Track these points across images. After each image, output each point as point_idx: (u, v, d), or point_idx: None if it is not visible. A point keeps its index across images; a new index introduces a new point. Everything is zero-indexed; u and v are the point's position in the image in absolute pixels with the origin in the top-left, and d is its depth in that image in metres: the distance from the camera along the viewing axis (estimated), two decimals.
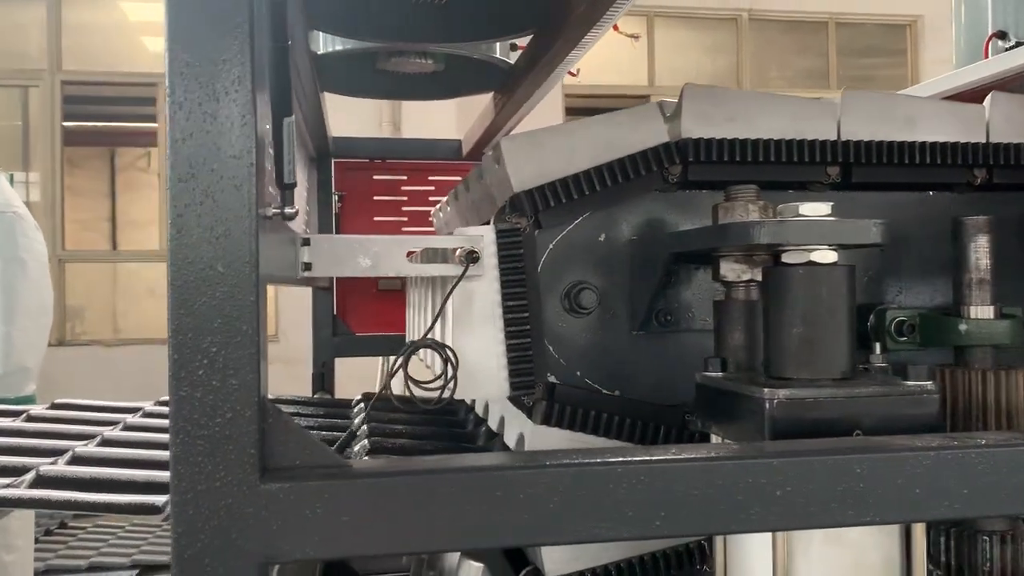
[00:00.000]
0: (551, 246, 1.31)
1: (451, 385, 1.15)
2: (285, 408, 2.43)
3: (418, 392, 1.15)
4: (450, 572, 1.70)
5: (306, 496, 0.73)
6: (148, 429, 2.18)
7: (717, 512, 0.79)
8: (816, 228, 1.01)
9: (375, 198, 2.90)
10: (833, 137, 1.33)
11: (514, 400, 1.37)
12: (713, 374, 1.11)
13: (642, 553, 1.33)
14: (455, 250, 1.23)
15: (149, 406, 2.52)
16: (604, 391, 1.35)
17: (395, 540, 0.74)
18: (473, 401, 2.12)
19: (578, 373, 1.35)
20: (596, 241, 1.34)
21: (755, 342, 1.19)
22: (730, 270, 1.20)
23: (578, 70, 2.09)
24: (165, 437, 2.03)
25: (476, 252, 1.20)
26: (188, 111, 0.72)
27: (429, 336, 1.19)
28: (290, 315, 7.31)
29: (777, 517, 0.80)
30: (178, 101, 0.72)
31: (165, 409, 2.47)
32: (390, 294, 2.91)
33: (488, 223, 1.33)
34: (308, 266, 1.18)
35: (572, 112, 8.19)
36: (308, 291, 7.30)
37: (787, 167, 1.31)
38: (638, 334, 1.38)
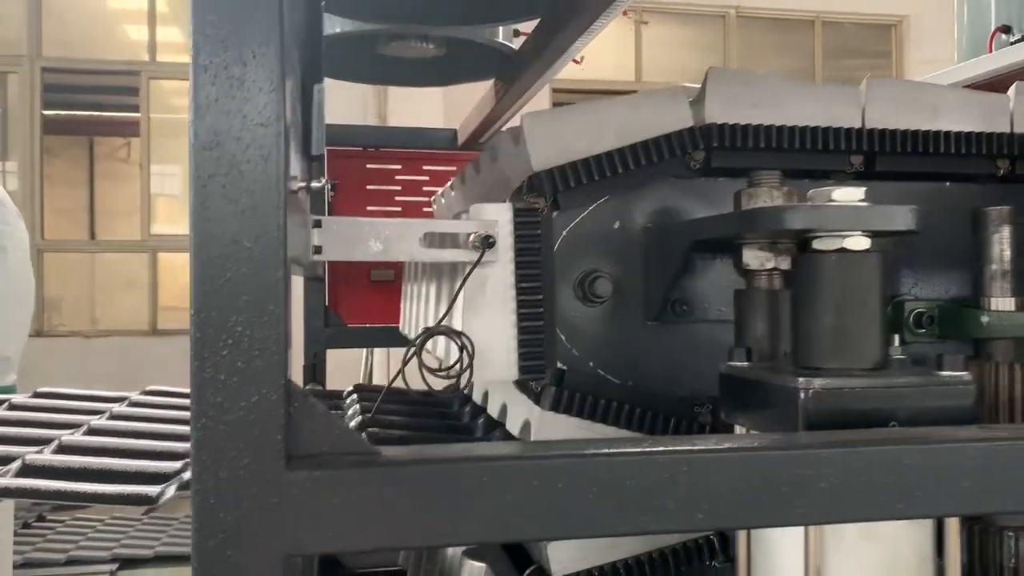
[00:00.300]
0: (567, 230, 1.27)
1: (467, 373, 1.11)
2: None
3: (433, 381, 1.11)
4: (450, 570, 1.66)
5: (334, 485, 0.69)
6: (136, 419, 2.12)
7: (760, 505, 0.76)
8: (850, 214, 0.98)
9: (368, 187, 2.85)
10: (858, 125, 1.31)
11: (521, 385, 1.33)
12: (738, 364, 1.08)
13: (651, 549, 1.30)
14: (469, 235, 1.19)
15: (136, 395, 2.47)
16: (615, 381, 1.32)
17: (429, 532, 0.70)
18: (468, 392, 2.09)
19: (591, 364, 1.32)
20: (612, 228, 1.31)
21: (778, 332, 1.16)
22: (753, 258, 1.17)
23: (582, 57, 2.06)
24: (155, 427, 1.97)
25: (492, 236, 1.16)
26: (213, 75, 0.68)
27: (440, 323, 1.15)
28: None
29: (822, 510, 0.77)
30: (202, 64, 0.68)
31: (152, 399, 2.42)
32: (383, 284, 2.86)
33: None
34: (318, 249, 1.14)
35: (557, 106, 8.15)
36: (296, 283, 7.19)
37: (811, 155, 1.28)
38: (652, 324, 1.34)
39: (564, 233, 1.27)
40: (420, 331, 1.60)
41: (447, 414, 2.15)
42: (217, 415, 0.67)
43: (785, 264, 1.17)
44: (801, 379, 0.93)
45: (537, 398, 1.27)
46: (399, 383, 1.32)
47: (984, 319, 1.26)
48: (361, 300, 2.85)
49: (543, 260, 1.23)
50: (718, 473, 0.75)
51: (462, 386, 1.11)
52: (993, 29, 2.24)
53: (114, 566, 4.66)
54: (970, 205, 1.31)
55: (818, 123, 1.29)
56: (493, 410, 1.62)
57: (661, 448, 0.76)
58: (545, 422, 1.26)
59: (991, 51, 2.19)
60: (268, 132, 0.68)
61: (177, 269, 9.55)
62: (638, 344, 1.34)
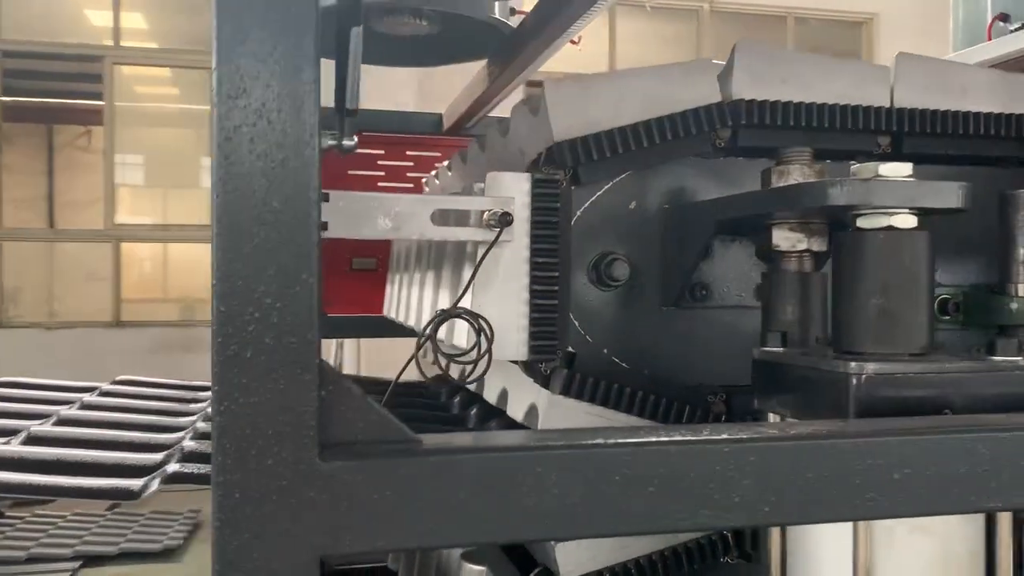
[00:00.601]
0: (584, 208, 1.20)
1: (484, 359, 1.04)
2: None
3: (448, 368, 1.04)
4: (446, 572, 1.59)
5: (373, 476, 0.62)
6: (109, 408, 2.02)
7: (831, 497, 0.70)
8: (900, 189, 0.93)
9: (350, 172, 2.76)
10: (886, 104, 1.25)
11: (528, 368, 1.26)
12: (773, 349, 1.02)
13: (663, 547, 1.24)
14: (484, 212, 1.12)
15: (106, 385, 2.36)
16: (628, 366, 1.26)
17: (478, 528, 0.63)
18: (457, 382, 2.01)
19: (603, 349, 1.26)
20: (628, 207, 1.24)
21: (809, 315, 1.11)
22: (784, 239, 1.11)
23: (579, 38, 1.99)
24: (130, 417, 1.86)
25: (510, 214, 1.09)
26: (237, 12, 0.60)
27: (455, 305, 1.07)
28: None
29: (895, 503, 0.71)
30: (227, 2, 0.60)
31: (124, 388, 2.32)
32: (363, 273, 2.78)
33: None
34: (324, 225, 1.06)
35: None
36: None
37: (839, 135, 1.22)
38: (667, 309, 1.28)
39: (580, 211, 1.21)
40: (417, 315, 1.53)
41: (435, 405, 2.07)
42: (243, 398, 0.60)
43: (817, 245, 1.11)
44: (853, 364, 0.87)
45: (546, 381, 1.20)
46: (370, 373, 1.24)
47: (1013, 306, 1.22)
48: (341, 289, 2.75)
49: (560, 236, 1.16)
50: (785, 464, 0.69)
51: (480, 373, 1.04)
52: (991, 17, 2.22)
53: (77, 564, 4.51)
54: (996, 188, 1.27)
55: (846, 101, 1.23)
56: (491, 396, 1.54)
57: (724, 436, 0.69)
58: (554, 407, 1.19)
59: (990, 39, 2.17)
60: (302, 77, 0.60)
61: (140, 260, 9.35)
62: (653, 330, 1.27)
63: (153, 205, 9.84)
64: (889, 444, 0.72)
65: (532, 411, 1.27)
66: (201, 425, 1.62)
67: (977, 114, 1.27)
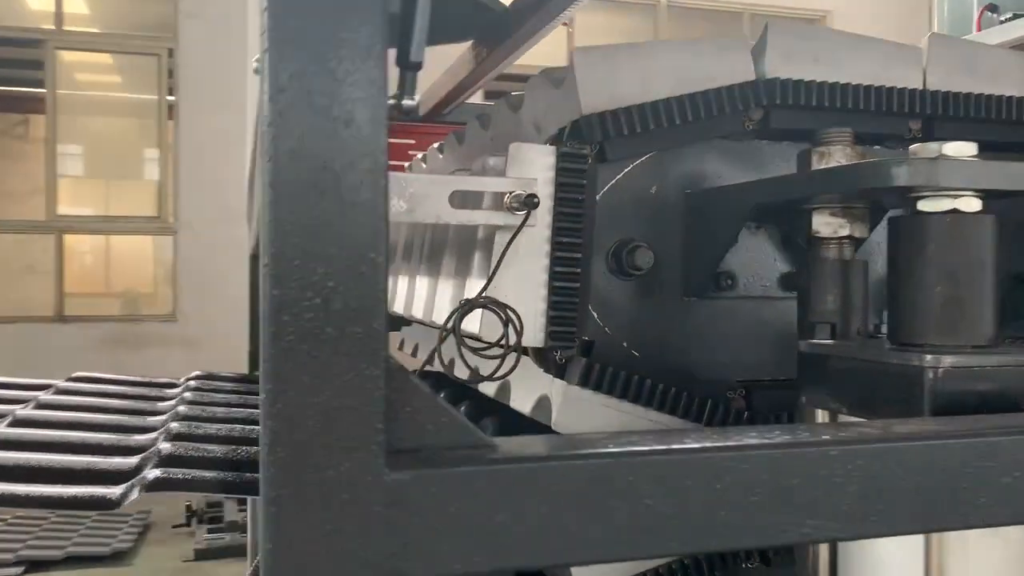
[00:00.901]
0: (605, 189, 1.12)
1: (511, 354, 0.95)
2: (223, 386, 2.17)
3: (474, 361, 0.95)
4: None
5: (448, 489, 0.53)
6: (69, 408, 1.89)
7: (940, 504, 0.63)
8: (969, 170, 0.86)
9: None
10: (918, 86, 1.20)
11: (540, 357, 1.18)
12: (823, 342, 0.96)
13: (681, 555, 1.17)
14: (506, 194, 1.03)
15: (62, 383, 2.21)
16: (646, 359, 1.18)
17: (572, 547, 0.55)
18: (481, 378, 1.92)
19: (622, 341, 1.18)
20: (650, 192, 1.17)
21: (850, 305, 1.04)
22: (824, 224, 1.05)
23: (571, 19, 1.90)
24: (94, 417, 1.73)
25: (536, 195, 1.01)
26: None
27: (480, 294, 0.99)
28: (189, 293, 6.88)
29: (1007, 509, 0.65)
30: None
31: (82, 386, 2.17)
32: None
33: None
34: None
35: (491, 95, 8.00)
36: (214, 265, 6.85)
37: (871, 118, 1.17)
38: (689, 300, 1.21)
39: (601, 194, 1.13)
40: (428, 307, 1.43)
41: None
42: (300, 397, 0.50)
43: (859, 231, 1.05)
44: (928, 357, 0.81)
45: (560, 371, 1.13)
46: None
47: None
48: None
49: (585, 215, 1.08)
50: (892, 467, 0.62)
51: (509, 369, 0.95)
52: (980, 8, 2.20)
53: (20, 569, 4.31)
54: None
55: (880, 83, 1.17)
56: (487, 387, 1.46)
57: (826, 438, 0.62)
58: (571, 399, 1.12)
59: (979, 30, 2.15)
60: (369, 18, 0.51)
61: (81, 253, 9.03)
62: (675, 321, 1.20)
63: (95, 196, 9.52)
64: (999, 444, 0.65)
65: (542, 403, 1.19)
66: (175, 426, 1.51)
67: (1010, 98, 1.22)
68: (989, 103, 1.21)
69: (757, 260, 1.22)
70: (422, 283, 1.45)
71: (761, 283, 1.23)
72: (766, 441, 0.60)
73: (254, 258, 2.55)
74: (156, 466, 1.23)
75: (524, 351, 1.06)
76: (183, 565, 4.69)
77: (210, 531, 4.89)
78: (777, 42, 1.14)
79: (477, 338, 0.97)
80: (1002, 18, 2.08)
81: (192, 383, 2.05)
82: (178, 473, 1.18)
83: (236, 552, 4.76)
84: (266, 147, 0.50)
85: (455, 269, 1.32)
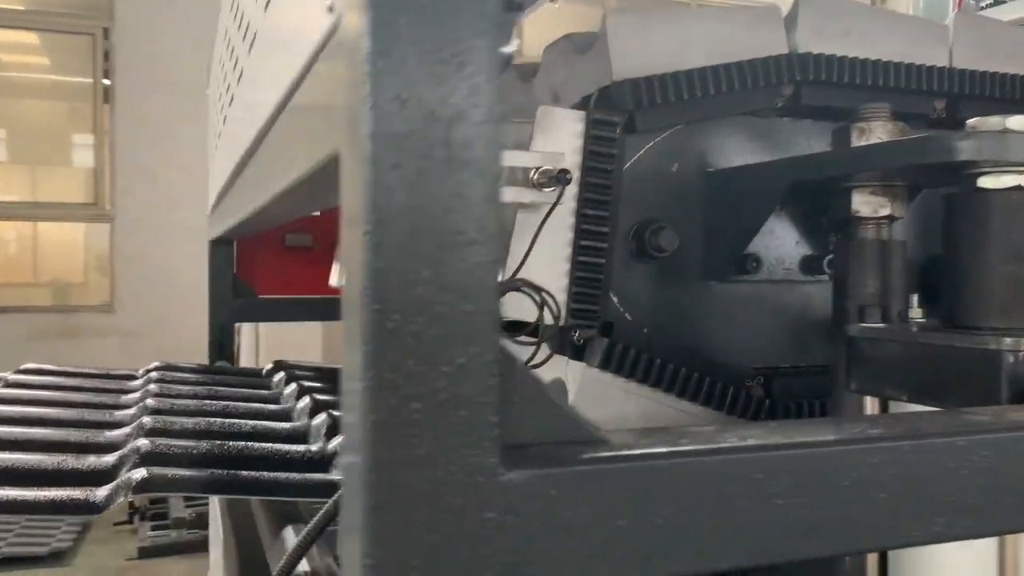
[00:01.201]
0: (632, 161, 1.07)
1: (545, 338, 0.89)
2: (187, 377, 2.05)
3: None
4: None
5: (570, 490, 0.46)
6: (22, 402, 1.75)
7: None
8: None
9: None
10: (945, 64, 1.16)
11: (559, 337, 1.12)
12: (876, 325, 0.91)
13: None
14: (532, 170, 0.96)
15: (10, 375, 2.07)
16: (666, 343, 1.13)
17: (701, 553, 0.48)
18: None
19: (645, 329, 1.13)
20: (671, 169, 1.11)
21: (891, 288, 1.00)
22: (864, 203, 1.00)
23: None
24: (52, 412, 1.61)
25: (568, 171, 0.94)
26: None
27: (514, 276, 0.92)
28: (127, 282, 6.64)
29: None
30: None
31: (32, 379, 2.03)
32: (299, 251, 2.56)
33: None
34: None
35: None
36: (153, 254, 6.62)
37: (900, 95, 1.13)
38: (711, 283, 1.17)
39: (627, 166, 1.07)
40: None
41: None
42: (405, 387, 0.43)
43: (899, 210, 1.01)
44: (1008, 340, 0.76)
45: (578, 353, 1.07)
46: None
47: None
48: (275, 268, 2.53)
49: (613, 189, 1.02)
50: (1017, 459, 0.57)
51: (546, 357, 0.88)
52: None
53: None
54: None
55: (909, 60, 1.13)
56: None
57: (954, 427, 0.57)
58: (590, 382, 1.06)
59: None
60: None
61: (8, 241, 8.64)
62: (697, 305, 1.15)
63: (21, 183, 9.12)
64: None
65: (555, 387, 1.13)
66: (147, 420, 1.40)
67: None
68: (1013, 83, 1.19)
69: (780, 242, 1.18)
70: None
71: (783, 266, 1.18)
72: (888, 432, 0.55)
73: (215, 243, 2.43)
74: (137, 465, 1.14)
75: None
76: (127, 564, 4.51)
77: (154, 528, 4.72)
78: (808, 15, 1.09)
79: (518, 322, 0.90)
80: (983, 4, 2.08)
81: (154, 375, 1.93)
82: (165, 472, 1.08)
83: (182, 549, 4.61)
84: (367, 95, 0.42)
85: None
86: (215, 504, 2.30)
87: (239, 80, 1.18)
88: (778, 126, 1.17)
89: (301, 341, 5.30)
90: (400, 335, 0.43)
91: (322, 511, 0.78)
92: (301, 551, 0.79)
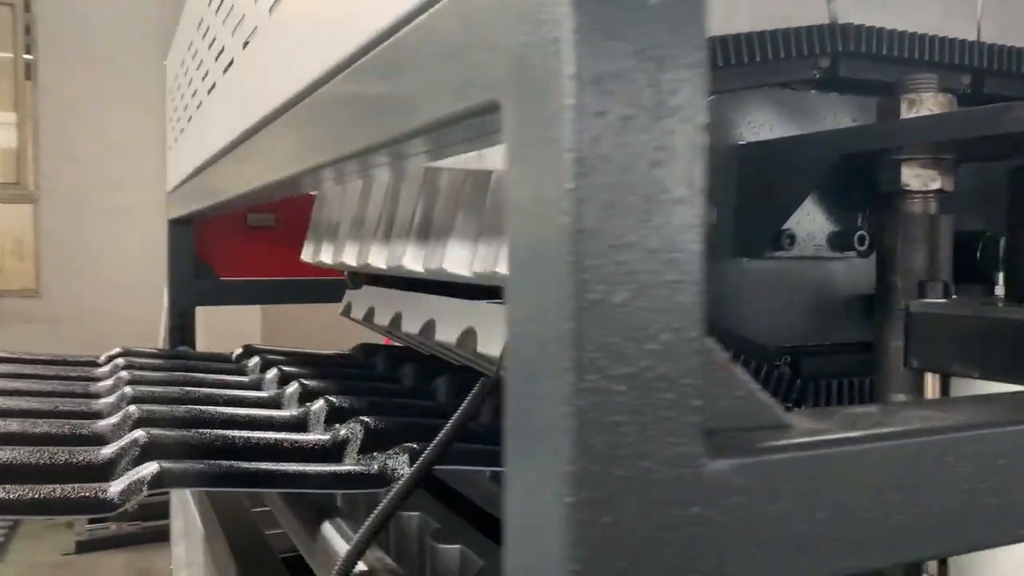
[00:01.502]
0: None
1: None
2: (155, 363, 1.94)
3: None
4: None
5: (773, 481, 0.42)
6: (5, 393, 1.63)
7: None
8: None
9: None
10: (973, 38, 1.15)
11: None
12: (938, 300, 0.89)
13: None
14: None
15: None
16: None
17: (897, 545, 0.44)
18: (430, 358, 1.79)
19: None
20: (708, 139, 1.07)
21: (938, 263, 0.98)
22: (914, 177, 0.98)
23: None
24: (26, 403, 1.50)
25: None
26: None
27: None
28: (53, 266, 6.36)
29: None
30: None
31: (7, 368, 1.90)
32: (261, 231, 2.46)
33: None
34: None
35: None
36: (82, 237, 6.38)
37: (929, 69, 1.10)
38: (741, 260, 1.13)
39: None
40: (439, 265, 1.29)
41: (371, 375, 1.84)
42: (608, 366, 0.38)
43: (949, 184, 0.99)
44: None
45: None
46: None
47: None
48: (236, 249, 2.43)
49: None
50: None
51: None
52: None
53: None
54: None
55: (942, 33, 1.11)
56: (449, 337, 1.33)
57: None
58: None
59: None
60: None
61: None
62: (728, 283, 1.12)
63: None
64: None
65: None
66: (132, 409, 1.31)
67: None
68: None
69: (810, 218, 1.15)
70: (405, 240, 1.30)
71: (814, 243, 1.16)
72: None
73: (174, 223, 2.32)
74: (142, 458, 1.05)
75: None
76: (63, 559, 4.33)
77: (92, 520, 4.54)
78: None
79: None
80: None
81: (120, 360, 1.82)
82: (179, 466, 1.00)
83: (122, 542, 4.45)
84: (572, 44, 0.37)
85: (467, 221, 1.18)
86: (179, 495, 2.19)
87: (245, 45, 1.10)
88: (806, 99, 1.14)
89: (239, 327, 5.13)
90: (604, 308, 0.38)
91: (382, 504, 0.72)
92: (361, 547, 0.73)
